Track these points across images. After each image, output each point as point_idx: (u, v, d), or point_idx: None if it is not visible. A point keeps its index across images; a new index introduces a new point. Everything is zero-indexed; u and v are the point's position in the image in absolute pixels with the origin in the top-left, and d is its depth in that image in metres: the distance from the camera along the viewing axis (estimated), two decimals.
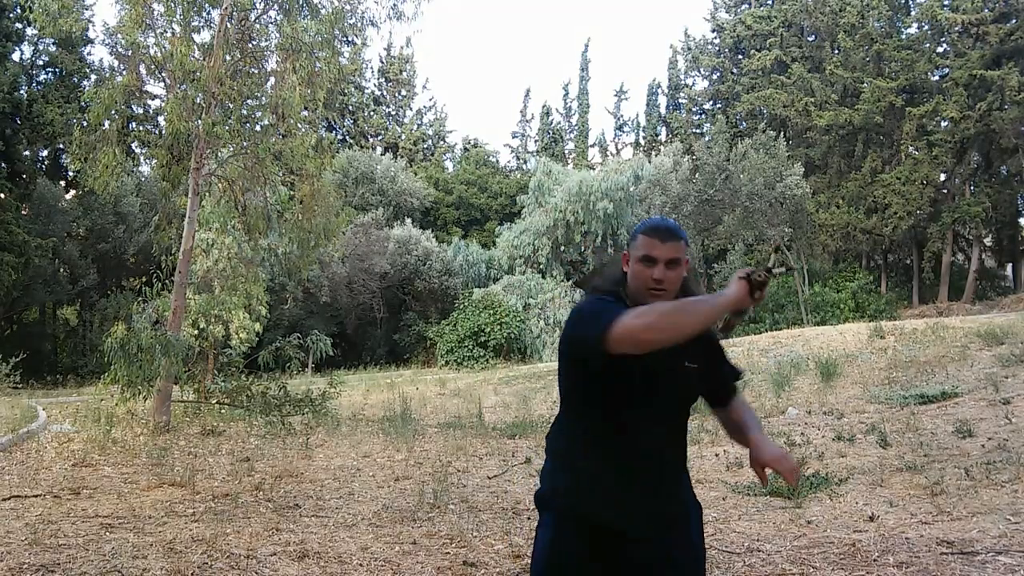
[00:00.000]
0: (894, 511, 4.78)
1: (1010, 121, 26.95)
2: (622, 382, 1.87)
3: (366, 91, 47.17)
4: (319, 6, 12.01)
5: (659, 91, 46.81)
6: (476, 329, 28.10)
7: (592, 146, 49.29)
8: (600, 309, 1.85)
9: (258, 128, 12.35)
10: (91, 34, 27.62)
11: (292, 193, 13.22)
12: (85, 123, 11.16)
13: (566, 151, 49.00)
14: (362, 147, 42.32)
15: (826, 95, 30.74)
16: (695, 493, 2.07)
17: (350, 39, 17.31)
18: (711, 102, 39.64)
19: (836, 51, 32.04)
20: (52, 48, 28.28)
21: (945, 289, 30.61)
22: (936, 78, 29.97)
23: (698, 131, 39.89)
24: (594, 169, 39.31)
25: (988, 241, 32.91)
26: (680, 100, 44.37)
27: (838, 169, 31.50)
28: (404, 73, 47.95)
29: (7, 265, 22.72)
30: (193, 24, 11.28)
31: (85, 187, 12.68)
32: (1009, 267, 32.74)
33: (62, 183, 28.73)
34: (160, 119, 22.50)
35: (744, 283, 1.77)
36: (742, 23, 36.59)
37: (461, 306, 29.75)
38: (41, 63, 29.56)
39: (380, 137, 46.67)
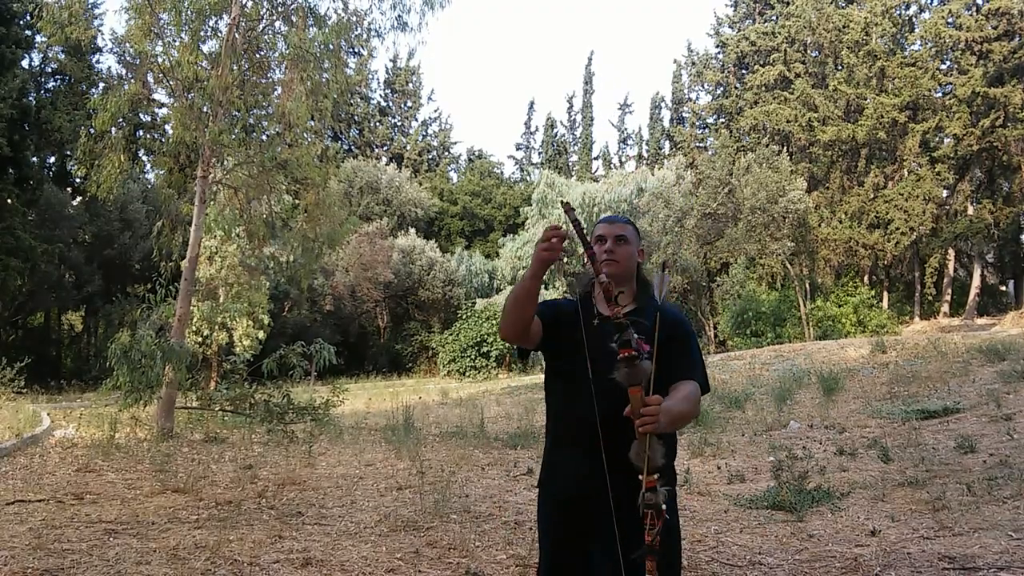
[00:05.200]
0: (896, 526, 4.79)
1: (1013, 138, 27.00)
2: (564, 360, 2.23)
3: (372, 102, 47.40)
4: (325, 17, 12.10)
5: (663, 105, 46.98)
6: (479, 339, 28.12)
7: (596, 158, 49.48)
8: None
9: (264, 137, 12.42)
10: (100, 42, 27.84)
11: (297, 202, 13.28)
12: (92, 130, 11.20)
13: (570, 163, 49.15)
14: (367, 157, 42.50)
15: (829, 111, 30.82)
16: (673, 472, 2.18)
17: (356, 50, 17.44)
18: (714, 116, 39.75)
19: (839, 67, 32.12)
20: (61, 56, 28.42)
21: (947, 305, 30.59)
22: (939, 95, 30.02)
23: (701, 145, 39.98)
24: (598, 181, 39.42)
25: (990, 257, 32.89)
26: (684, 114, 44.49)
27: (840, 184, 31.55)
28: (410, 84, 48.18)
29: (13, 270, 22.78)
30: (200, 34, 11.38)
31: (91, 193, 12.73)
32: (1011, 283, 32.72)
33: (69, 189, 28.82)
34: (167, 127, 22.64)
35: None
36: (746, 39, 36.73)
37: (464, 316, 29.79)
38: (50, 70, 29.72)
39: (385, 147, 46.87)
